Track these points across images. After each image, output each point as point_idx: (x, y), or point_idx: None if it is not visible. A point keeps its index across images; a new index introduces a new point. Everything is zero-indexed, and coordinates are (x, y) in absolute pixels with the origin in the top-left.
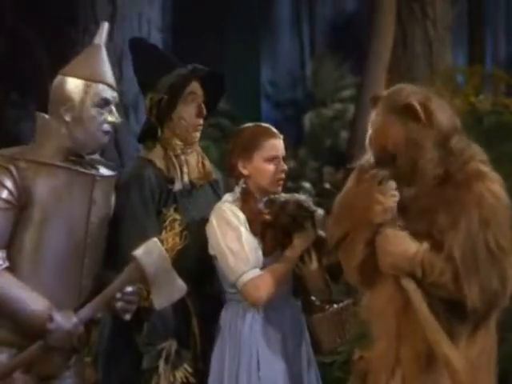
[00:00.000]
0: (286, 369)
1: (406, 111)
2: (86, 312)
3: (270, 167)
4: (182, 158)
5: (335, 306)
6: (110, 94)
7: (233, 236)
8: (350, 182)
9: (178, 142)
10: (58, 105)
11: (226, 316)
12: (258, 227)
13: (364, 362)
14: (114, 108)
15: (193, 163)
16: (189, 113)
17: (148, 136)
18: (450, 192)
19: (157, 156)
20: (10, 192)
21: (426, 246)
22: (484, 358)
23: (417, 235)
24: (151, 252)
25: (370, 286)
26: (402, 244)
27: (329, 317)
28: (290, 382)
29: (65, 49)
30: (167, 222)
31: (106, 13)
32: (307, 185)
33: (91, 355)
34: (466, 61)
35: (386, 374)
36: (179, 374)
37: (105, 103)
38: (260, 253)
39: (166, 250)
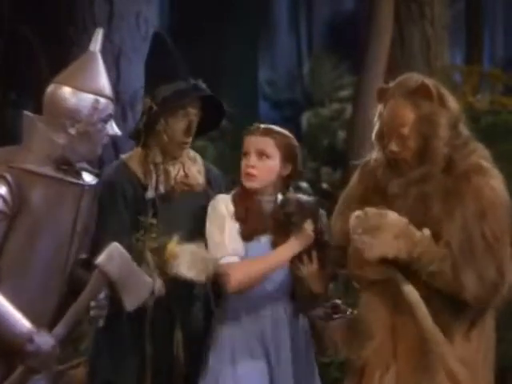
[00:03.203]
0: (261, 370)
1: (419, 91)
2: (61, 330)
3: (243, 162)
4: (161, 167)
5: (348, 313)
6: (112, 108)
7: (216, 223)
8: (354, 178)
9: (159, 154)
10: (59, 116)
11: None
12: (243, 214)
13: (361, 359)
14: (112, 121)
15: (172, 173)
16: (176, 128)
17: (136, 137)
18: (449, 182)
19: (135, 160)
20: (5, 201)
21: (427, 232)
22: (479, 356)
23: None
24: (113, 256)
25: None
26: (408, 229)
27: (344, 324)
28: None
29: (63, 48)
30: (145, 226)
31: (103, 12)
32: (305, 185)
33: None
34: (464, 60)
35: (380, 370)
36: None
37: (109, 118)
38: (241, 244)
39: (155, 248)
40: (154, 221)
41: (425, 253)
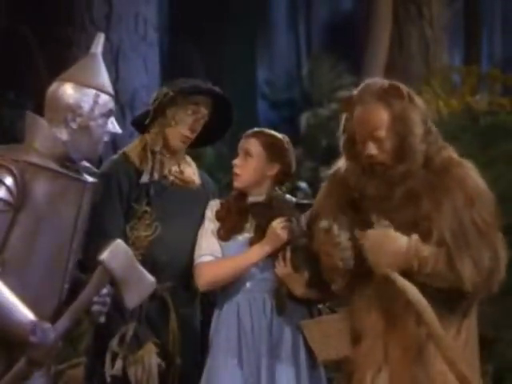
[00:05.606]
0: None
1: (389, 91)
2: (63, 324)
3: None
4: (158, 157)
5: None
6: (112, 105)
7: (202, 225)
8: (321, 192)
9: (159, 143)
10: (61, 110)
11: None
12: (223, 214)
13: (349, 361)
14: (114, 119)
15: (166, 165)
16: (183, 120)
17: (140, 123)
18: (431, 177)
19: (134, 148)
20: (10, 192)
21: (415, 237)
22: (469, 348)
23: (403, 225)
24: (117, 253)
25: (353, 289)
26: (393, 242)
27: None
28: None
29: (61, 48)
30: (139, 214)
31: (102, 12)
32: (303, 185)
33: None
34: (462, 61)
35: (372, 371)
36: (140, 354)
37: (109, 114)
38: (216, 244)
39: (137, 237)
40: (148, 208)
41: (419, 259)
